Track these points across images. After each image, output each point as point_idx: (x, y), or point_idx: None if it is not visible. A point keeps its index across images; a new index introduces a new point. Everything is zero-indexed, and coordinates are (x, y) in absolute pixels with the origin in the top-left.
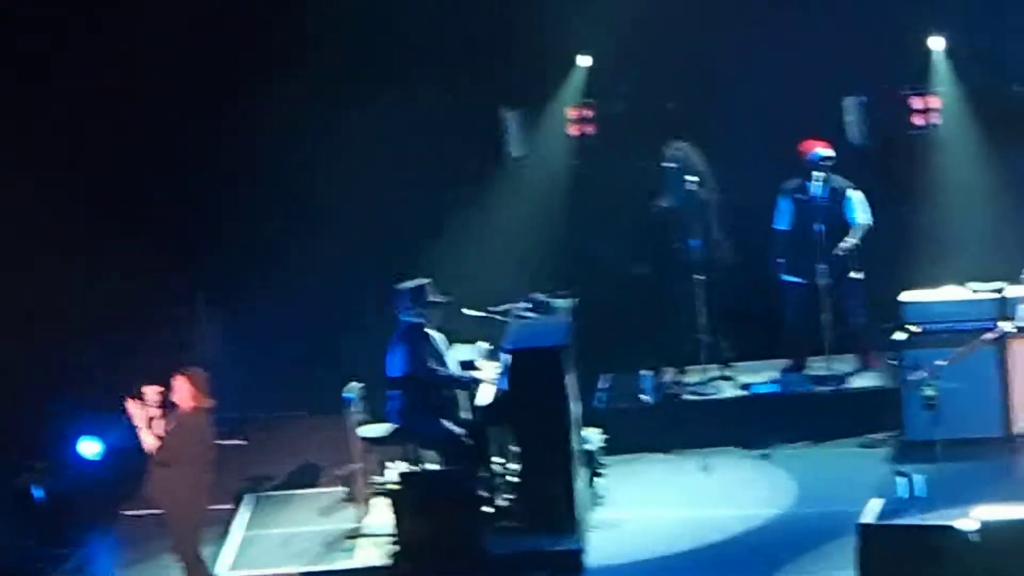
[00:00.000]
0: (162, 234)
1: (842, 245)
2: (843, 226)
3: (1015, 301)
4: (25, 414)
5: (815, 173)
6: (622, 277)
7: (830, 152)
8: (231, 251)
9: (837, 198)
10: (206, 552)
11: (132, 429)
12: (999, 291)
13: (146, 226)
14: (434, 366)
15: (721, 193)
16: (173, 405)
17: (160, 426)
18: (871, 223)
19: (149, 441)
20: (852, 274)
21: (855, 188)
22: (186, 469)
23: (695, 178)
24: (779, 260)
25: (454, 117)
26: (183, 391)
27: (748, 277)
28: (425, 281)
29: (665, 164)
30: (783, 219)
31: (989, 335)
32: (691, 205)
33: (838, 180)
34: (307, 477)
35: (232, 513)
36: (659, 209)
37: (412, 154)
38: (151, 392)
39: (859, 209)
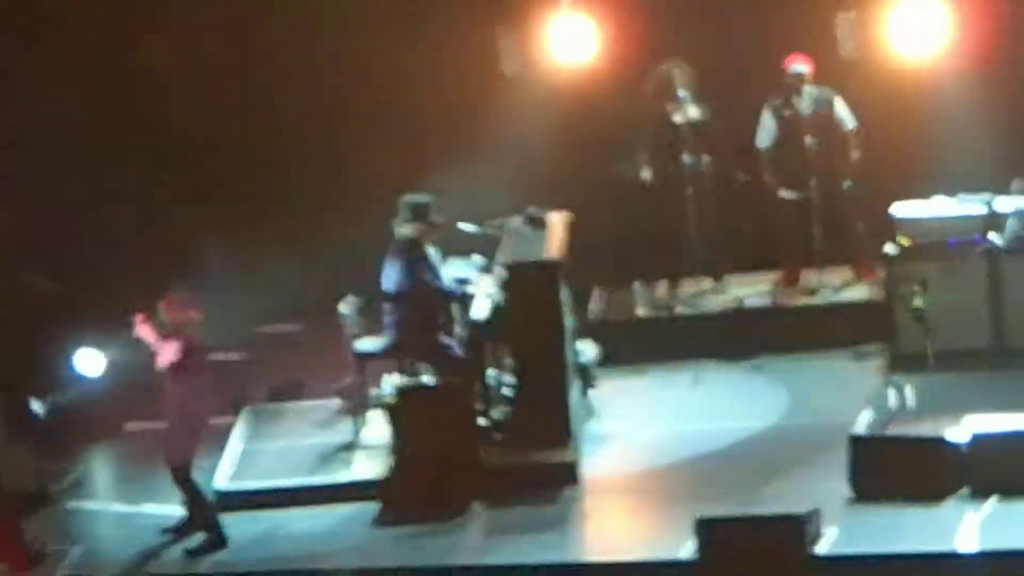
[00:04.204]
0: (160, 159)
1: (853, 156)
2: (833, 136)
3: (1004, 214)
4: (25, 333)
5: (797, 87)
6: (616, 192)
7: (804, 67)
8: (229, 170)
9: (823, 108)
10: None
11: (133, 345)
12: (989, 203)
13: (144, 153)
14: (430, 280)
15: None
16: (161, 326)
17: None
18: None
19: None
20: (845, 184)
21: (838, 95)
22: (184, 387)
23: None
24: (768, 178)
25: (450, 36)
26: (168, 313)
27: (740, 191)
28: (429, 198)
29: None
30: (767, 136)
31: (979, 247)
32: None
33: (823, 91)
34: (304, 390)
35: (230, 426)
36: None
37: (409, 72)
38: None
39: (848, 114)
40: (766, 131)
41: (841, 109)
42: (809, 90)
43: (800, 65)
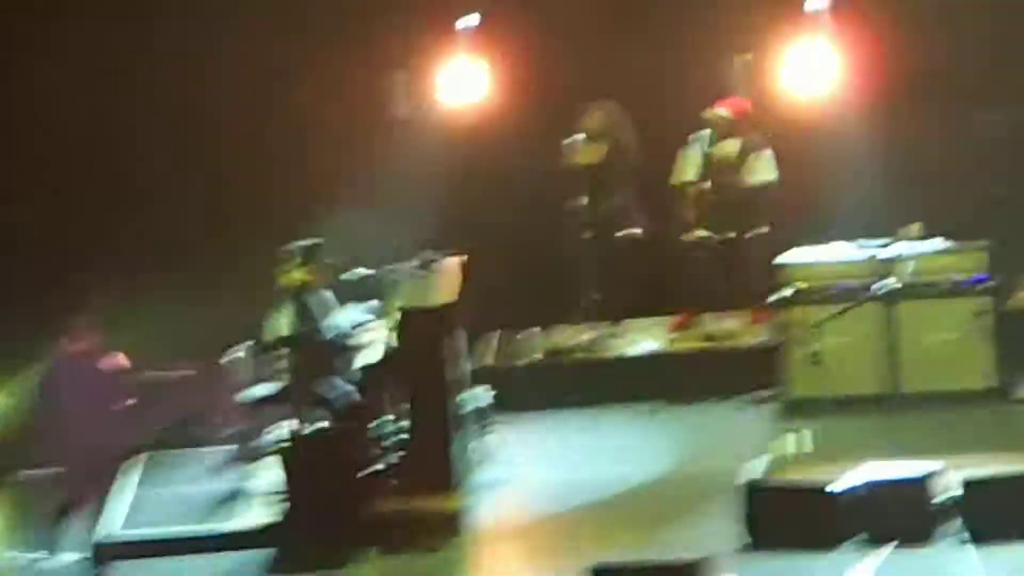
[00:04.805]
0: (51, 201)
1: (754, 181)
2: (751, 182)
3: (899, 258)
4: None
5: (722, 130)
6: (513, 236)
7: (726, 112)
8: (122, 211)
9: (743, 156)
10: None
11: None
12: (884, 248)
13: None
14: (321, 325)
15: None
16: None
17: None
18: (776, 180)
19: None
20: (759, 230)
21: (765, 146)
22: (78, 418)
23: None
24: (686, 215)
25: (345, 80)
26: (69, 342)
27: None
28: (318, 241)
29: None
30: (691, 171)
31: (874, 292)
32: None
33: (748, 139)
34: (198, 436)
35: (123, 471)
36: (572, 166)
37: (302, 117)
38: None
39: (767, 165)
40: (691, 166)
41: (766, 159)
42: (735, 135)
43: (723, 109)
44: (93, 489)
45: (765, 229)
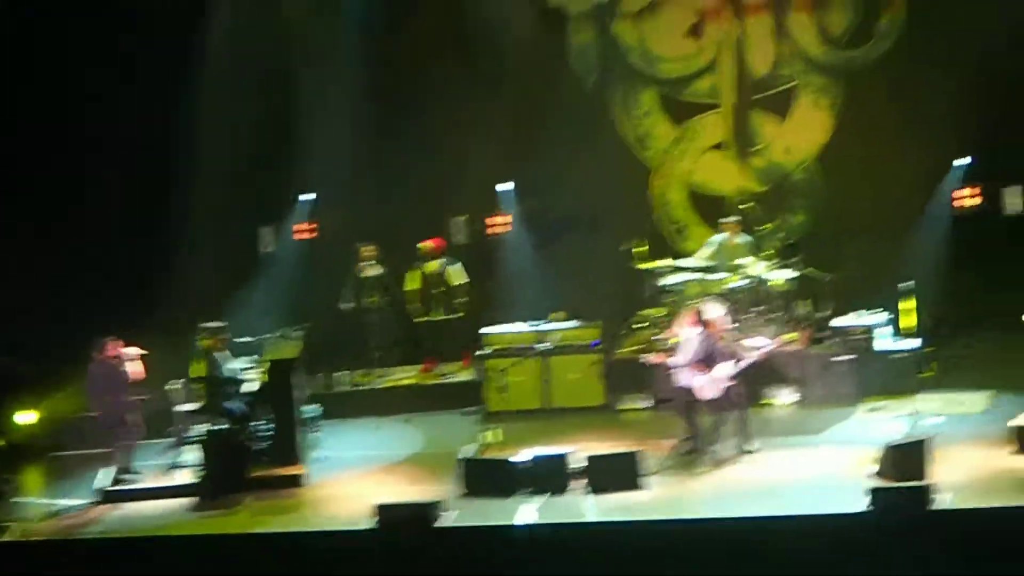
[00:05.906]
0: None
1: (463, 298)
2: (450, 286)
3: (550, 331)
4: None
5: (425, 257)
6: (335, 316)
7: (428, 244)
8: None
9: (444, 268)
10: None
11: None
12: (541, 325)
13: None
14: (220, 370)
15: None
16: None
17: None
18: (467, 283)
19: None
20: (457, 314)
21: (455, 263)
22: (112, 405)
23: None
24: (411, 309)
25: (228, 230)
26: (102, 351)
27: (401, 319)
28: (222, 324)
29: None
30: (410, 283)
31: (536, 350)
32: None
33: (446, 259)
34: (151, 434)
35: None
36: (358, 279)
37: (203, 252)
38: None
39: (460, 274)
40: (412, 279)
41: (456, 270)
42: (437, 258)
43: (425, 244)
44: (123, 456)
45: (462, 313)
